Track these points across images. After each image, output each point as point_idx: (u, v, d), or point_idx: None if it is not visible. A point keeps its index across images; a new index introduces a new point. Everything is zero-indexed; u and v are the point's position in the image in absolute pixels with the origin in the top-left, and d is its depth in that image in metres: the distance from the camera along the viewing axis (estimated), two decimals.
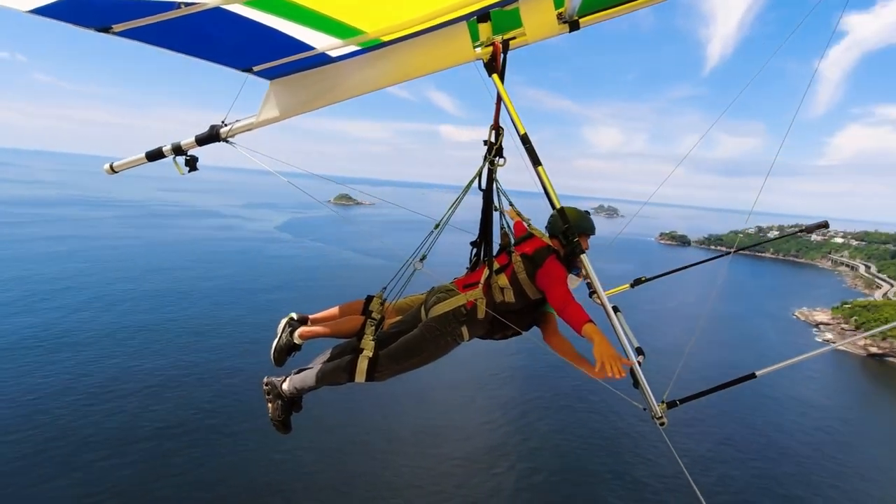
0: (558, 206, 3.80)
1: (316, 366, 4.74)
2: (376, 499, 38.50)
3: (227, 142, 3.93)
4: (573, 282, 4.43)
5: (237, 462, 39.90)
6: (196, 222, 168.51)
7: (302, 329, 4.87)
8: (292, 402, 4.90)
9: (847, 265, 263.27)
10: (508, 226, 4.87)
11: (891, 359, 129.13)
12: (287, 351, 4.92)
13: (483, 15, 3.59)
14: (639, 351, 3.85)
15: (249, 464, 39.84)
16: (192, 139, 3.94)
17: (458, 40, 3.66)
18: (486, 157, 4.35)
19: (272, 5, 2.90)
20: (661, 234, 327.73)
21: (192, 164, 3.96)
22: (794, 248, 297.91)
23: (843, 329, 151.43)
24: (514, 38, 3.89)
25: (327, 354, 4.77)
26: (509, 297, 4.32)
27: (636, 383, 3.62)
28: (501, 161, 4.36)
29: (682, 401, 3.80)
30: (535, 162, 3.61)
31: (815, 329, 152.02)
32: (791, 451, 67.17)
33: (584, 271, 3.94)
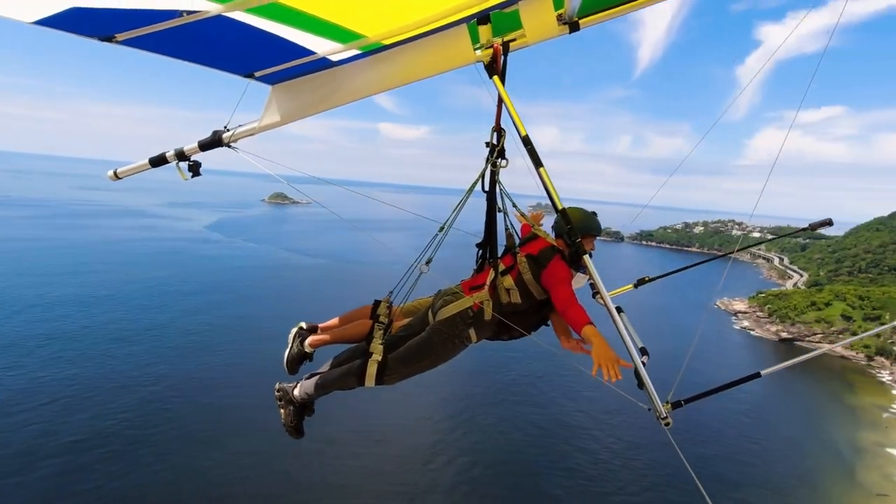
0: (561, 207, 3.82)
1: (326, 371, 4.78)
2: (311, 501, 37.94)
3: (229, 147, 3.91)
4: (579, 280, 4.51)
5: (162, 472, 38.10)
6: (117, 222, 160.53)
7: (311, 337, 4.95)
8: (304, 406, 4.95)
9: (764, 258, 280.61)
10: (513, 227, 4.90)
11: (799, 343, 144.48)
12: (299, 360, 5.03)
13: (483, 17, 3.61)
14: (643, 351, 3.88)
15: (176, 473, 38.19)
16: (195, 145, 3.93)
17: (459, 43, 3.66)
18: (488, 158, 4.38)
19: (273, 12, 2.89)
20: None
21: (195, 169, 3.96)
22: (717, 242, 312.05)
23: (758, 317, 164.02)
24: (514, 39, 3.92)
25: (337, 359, 4.81)
26: (515, 297, 4.36)
27: (641, 384, 3.61)
28: (503, 163, 4.39)
29: (687, 401, 3.83)
30: (537, 163, 3.64)
31: (734, 318, 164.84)
32: (714, 433, 74.25)
33: (587, 272, 3.96)
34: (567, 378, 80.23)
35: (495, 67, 3.85)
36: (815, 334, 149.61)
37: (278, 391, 5.00)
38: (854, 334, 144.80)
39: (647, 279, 5.81)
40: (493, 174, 4.47)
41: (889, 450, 77.24)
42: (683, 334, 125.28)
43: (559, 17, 3.73)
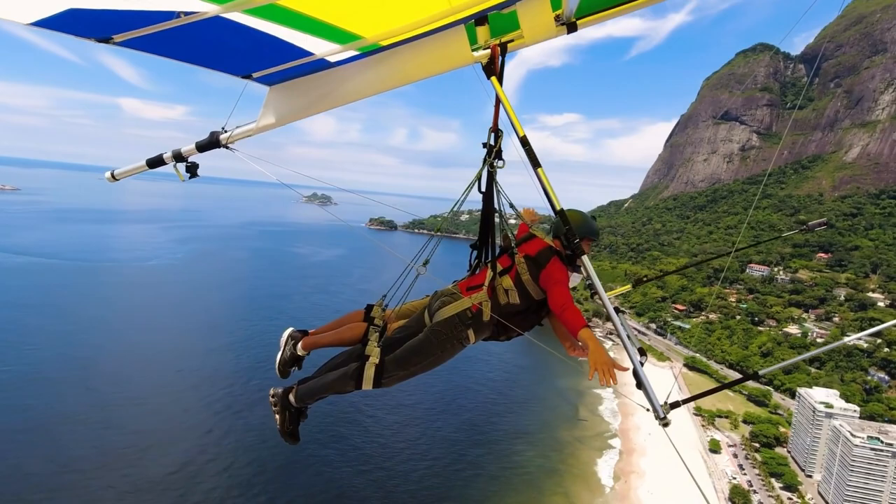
0: (559, 209, 3.79)
1: (321, 375, 4.73)
2: None
3: (227, 148, 3.90)
4: (572, 279, 4.50)
5: None
6: None
7: (304, 340, 4.88)
8: (300, 412, 4.90)
9: None
10: (509, 228, 4.90)
11: None
12: (291, 363, 4.93)
13: (481, 18, 3.60)
14: (641, 352, 3.83)
15: None
16: (193, 146, 3.92)
17: (457, 44, 3.67)
18: (485, 159, 4.38)
19: (271, 13, 2.90)
20: (371, 220, 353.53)
21: (192, 170, 3.95)
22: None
23: None
24: (512, 40, 3.91)
25: (332, 363, 4.76)
26: (514, 298, 4.34)
27: (639, 384, 3.56)
28: (501, 163, 4.39)
29: (685, 401, 3.79)
30: (535, 164, 3.63)
31: None
32: (473, 398, 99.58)
33: (584, 273, 3.97)
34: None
35: (493, 68, 3.85)
36: None
37: (273, 396, 4.93)
38: (578, 301, 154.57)
39: (644, 279, 6.03)
40: (491, 175, 4.47)
41: (595, 390, 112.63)
42: None
43: (557, 18, 3.72)
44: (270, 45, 3.24)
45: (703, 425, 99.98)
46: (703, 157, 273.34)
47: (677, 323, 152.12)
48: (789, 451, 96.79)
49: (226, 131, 3.90)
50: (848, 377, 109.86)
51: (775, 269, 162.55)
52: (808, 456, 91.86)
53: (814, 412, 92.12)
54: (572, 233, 3.90)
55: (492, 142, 4.33)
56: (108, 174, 4.15)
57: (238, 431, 76.18)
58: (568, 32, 3.82)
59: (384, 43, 3.51)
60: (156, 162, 3.97)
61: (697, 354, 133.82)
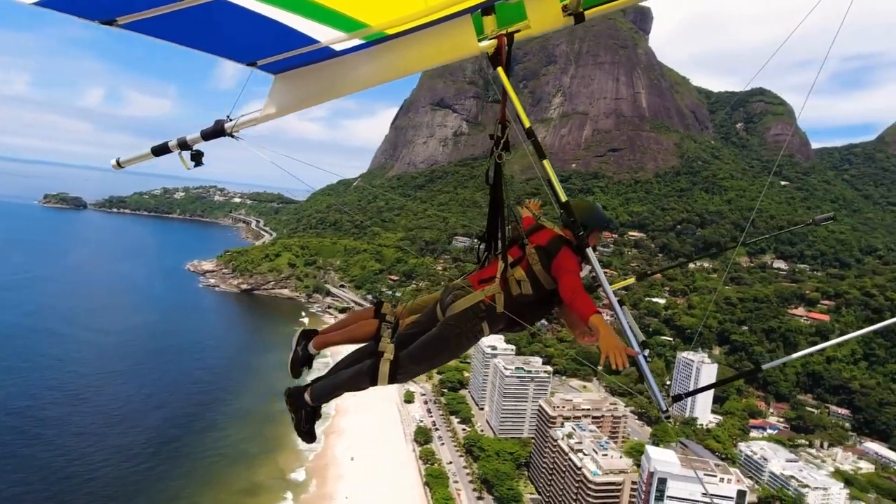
0: (564, 200, 3.79)
1: (336, 373, 4.76)
2: None
3: (232, 136, 3.83)
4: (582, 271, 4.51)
5: None
6: None
7: (316, 339, 4.93)
8: (315, 410, 4.93)
9: (243, 221, 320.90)
10: (518, 218, 4.85)
11: (256, 291, 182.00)
12: (303, 362, 4.96)
13: (488, 8, 3.61)
14: (644, 345, 3.80)
15: None
16: (198, 134, 3.86)
17: (463, 34, 3.62)
18: (492, 150, 4.40)
19: None
20: (47, 197, 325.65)
21: (197, 158, 3.91)
22: (199, 207, 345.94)
23: (223, 273, 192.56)
24: (518, 30, 3.88)
25: (346, 361, 4.79)
26: (527, 289, 4.33)
27: (641, 377, 3.58)
28: (508, 155, 4.39)
29: (687, 394, 3.86)
30: (541, 155, 3.65)
31: (202, 277, 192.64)
32: (166, 396, 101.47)
33: (590, 265, 3.98)
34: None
35: (499, 59, 3.83)
36: (269, 282, 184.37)
37: (289, 396, 4.94)
38: (298, 278, 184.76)
39: (647, 272, 6.36)
40: (498, 167, 4.47)
41: (322, 358, 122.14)
42: (156, 303, 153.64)
43: (564, 8, 3.69)
44: (276, 32, 3.20)
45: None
46: (423, 140, 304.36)
47: (390, 292, 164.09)
48: (469, 391, 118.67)
49: (231, 120, 3.84)
50: None
51: (475, 241, 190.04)
52: (480, 392, 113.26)
53: (483, 354, 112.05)
54: (577, 225, 3.93)
55: (499, 133, 4.32)
56: (113, 161, 4.14)
57: None
58: (576, 23, 3.80)
59: (390, 32, 3.46)
60: (160, 149, 3.91)
61: None
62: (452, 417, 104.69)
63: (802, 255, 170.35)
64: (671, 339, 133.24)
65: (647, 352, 3.72)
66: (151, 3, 2.64)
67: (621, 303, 3.77)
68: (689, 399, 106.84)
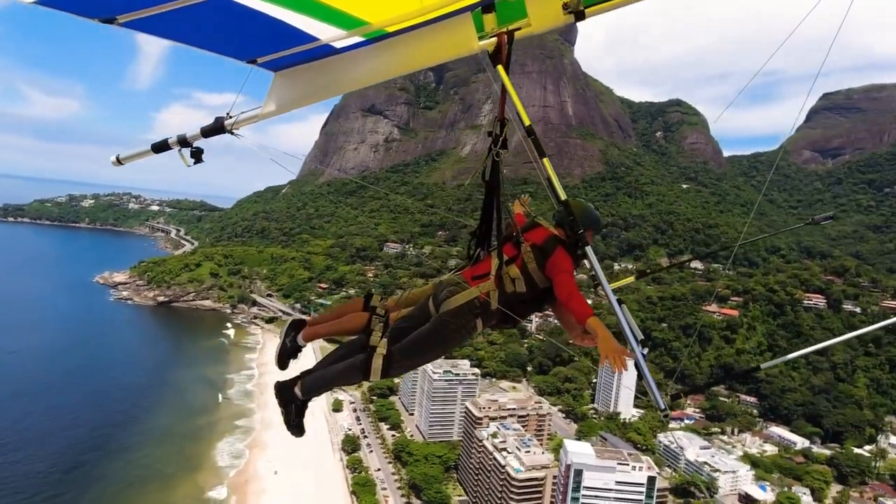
0: (564, 199, 3.78)
1: (327, 367, 4.67)
2: None
3: (232, 133, 3.83)
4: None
5: None
6: None
7: (305, 330, 4.81)
8: (305, 404, 4.84)
9: (162, 230, 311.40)
10: (511, 216, 4.89)
11: (175, 304, 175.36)
12: (290, 354, 4.85)
13: (488, 5, 3.63)
14: (642, 343, 3.75)
15: None
16: (198, 131, 3.84)
17: (463, 31, 3.62)
18: (490, 148, 4.40)
19: None
20: None
21: (197, 155, 3.89)
22: (112, 216, 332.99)
23: (138, 285, 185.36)
24: (518, 28, 3.92)
25: (336, 354, 4.70)
26: (521, 287, 4.33)
27: (640, 376, 3.54)
28: (506, 153, 4.39)
29: (687, 393, 3.88)
30: (541, 154, 3.64)
31: (113, 290, 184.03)
32: (85, 412, 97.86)
33: (588, 264, 3.95)
34: None
35: (500, 57, 3.88)
36: (189, 293, 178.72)
37: (279, 390, 4.83)
38: (222, 289, 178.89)
39: (648, 271, 6.25)
40: (496, 164, 4.47)
41: (229, 375, 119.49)
42: (60, 319, 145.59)
43: (565, 6, 3.68)
44: (275, 29, 3.19)
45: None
46: (354, 146, 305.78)
47: (320, 301, 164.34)
48: (399, 397, 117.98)
49: (230, 117, 3.82)
50: None
51: (407, 246, 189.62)
52: (410, 397, 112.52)
53: None
54: (576, 224, 3.92)
55: (497, 131, 4.34)
56: (113, 158, 4.03)
57: None
58: (576, 21, 3.78)
59: (390, 29, 3.45)
60: (160, 146, 3.88)
61: None
62: (382, 424, 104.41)
63: (717, 256, 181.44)
64: None
65: (645, 350, 3.67)
66: (152, 1, 2.66)
67: (620, 302, 3.72)
68: (614, 395, 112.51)
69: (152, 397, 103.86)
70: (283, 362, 4.86)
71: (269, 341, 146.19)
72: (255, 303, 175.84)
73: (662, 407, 3.45)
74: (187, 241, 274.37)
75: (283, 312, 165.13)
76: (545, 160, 3.61)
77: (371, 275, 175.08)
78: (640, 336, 3.69)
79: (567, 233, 4.36)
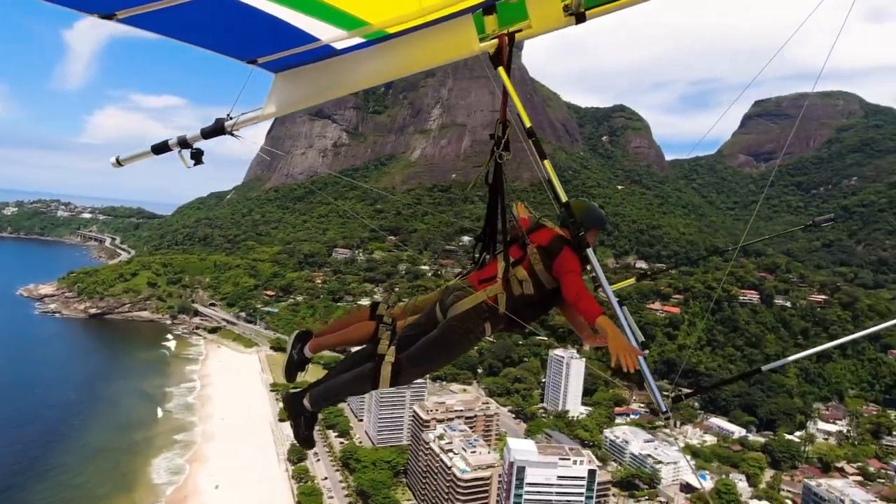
0: (565, 200, 3.81)
1: (335, 378, 4.64)
2: None
3: (232, 135, 3.82)
4: None
5: None
6: None
7: (312, 342, 4.77)
8: (314, 416, 4.81)
9: (95, 239, 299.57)
10: (515, 218, 4.93)
11: (109, 316, 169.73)
12: (298, 366, 4.81)
13: (489, 7, 3.65)
14: (643, 345, 3.78)
15: None
16: (198, 132, 3.81)
17: (464, 33, 3.64)
18: (492, 151, 4.40)
19: None
20: None
21: (197, 157, 3.87)
22: (38, 224, 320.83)
23: (67, 297, 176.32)
24: (519, 30, 3.92)
25: (344, 364, 4.67)
26: (528, 289, 4.30)
27: (642, 378, 3.56)
28: (508, 155, 4.39)
29: (687, 395, 3.92)
30: (542, 155, 3.67)
31: (38, 303, 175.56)
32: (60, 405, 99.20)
33: (589, 265, 4.01)
34: None
35: (500, 59, 3.86)
36: (125, 304, 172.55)
37: (287, 402, 4.82)
38: (161, 299, 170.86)
39: (648, 273, 6.15)
40: (499, 167, 4.47)
41: (168, 389, 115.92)
42: None
43: (565, 8, 3.69)
44: (276, 29, 3.16)
45: (277, 399, 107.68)
46: (302, 150, 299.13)
47: (266, 309, 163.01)
48: (347, 403, 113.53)
49: (231, 118, 3.80)
50: None
51: (356, 252, 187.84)
52: (359, 403, 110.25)
53: None
54: (577, 225, 3.96)
55: (500, 133, 4.33)
56: (113, 159, 3.97)
57: None
58: (577, 23, 3.79)
59: (391, 30, 3.46)
60: (161, 148, 3.84)
61: (283, 336, 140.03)
62: (329, 432, 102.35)
63: (660, 255, 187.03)
64: (546, 337, 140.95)
65: (646, 352, 3.71)
66: None
67: (621, 303, 3.77)
68: (562, 394, 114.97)
69: (84, 414, 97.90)
70: (290, 375, 4.82)
71: (213, 352, 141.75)
72: (196, 313, 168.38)
73: (664, 409, 3.47)
74: (124, 249, 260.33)
75: (227, 322, 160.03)
76: (546, 162, 3.65)
77: (319, 281, 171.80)
78: (641, 338, 3.75)
79: (571, 234, 4.32)
